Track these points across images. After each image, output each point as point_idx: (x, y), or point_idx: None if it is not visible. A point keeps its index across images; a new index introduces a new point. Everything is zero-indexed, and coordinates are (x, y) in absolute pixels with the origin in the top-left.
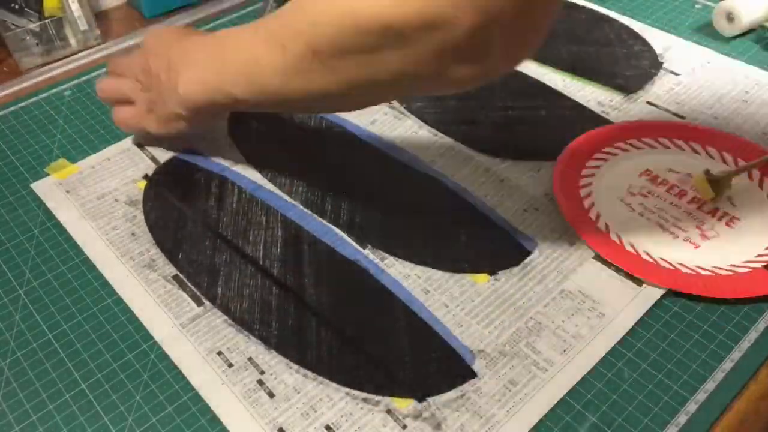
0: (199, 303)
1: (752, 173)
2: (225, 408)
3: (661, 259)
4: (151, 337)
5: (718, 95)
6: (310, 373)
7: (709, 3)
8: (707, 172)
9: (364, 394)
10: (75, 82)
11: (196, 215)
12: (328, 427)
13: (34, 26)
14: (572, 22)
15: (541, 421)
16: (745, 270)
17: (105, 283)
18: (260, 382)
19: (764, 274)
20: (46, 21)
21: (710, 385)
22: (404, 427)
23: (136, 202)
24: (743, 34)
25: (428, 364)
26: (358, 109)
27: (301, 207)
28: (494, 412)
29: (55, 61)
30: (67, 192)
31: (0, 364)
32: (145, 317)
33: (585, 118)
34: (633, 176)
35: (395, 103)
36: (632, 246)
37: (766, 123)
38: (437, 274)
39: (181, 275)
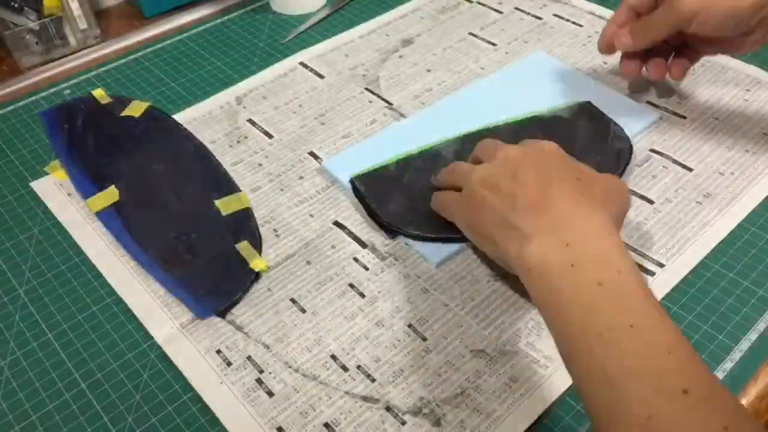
0: None
1: None
2: (224, 407)
3: None
4: (151, 337)
5: (718, 95)
6: (309, 372)
7: None
8: None
9: (363, 392)
10: (75, 81)
11: None
12: (327, 425)
13: (33, 25)
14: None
15: (540, 420)
16: None
17: (105, 283)
18: (259, 381)
19: None
20: (46, 20)
21: None
22: (403, 423)
23: None
24: None
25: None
26: None
27: None
28: (494, 408)
29: (55, 59)
30: (69, 195)
31: (0, 364)
32: (144, 317)
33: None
34: None
35: (395, 104)
36: None
37: (767, 123)
38: (438, 274)
39: None
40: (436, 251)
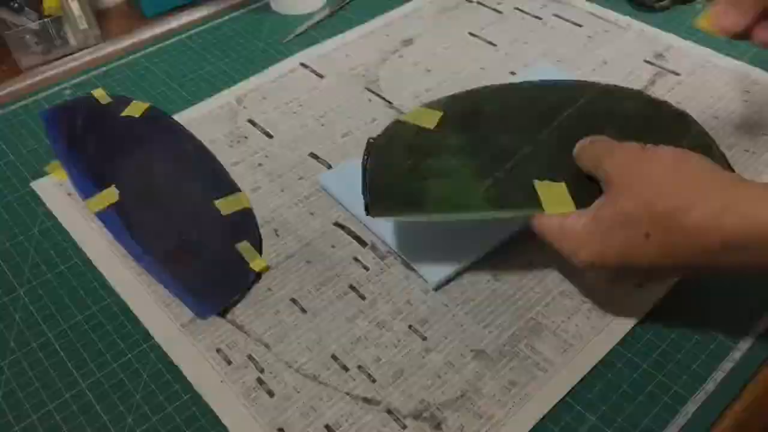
0: None
1: None
2: (224, 407)
3: None
4: (151, 337)
5: (718, 95)
6: (309, 372)
7: (709, 3)
8: None
9: (364, 393)
10: (75, 81)
11: None
12: (327, 427)
13: (33, 25)
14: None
15: (541, 421)
16: None
17: (105, 283)
18: (260, 381)
19: None
20: (46, 20)
21: (710, 386)
22: (404, 427)
23: None
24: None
25: None
26: None
27: None
28: (494, 412)
29: (55, 60)
30: (69, 195)
31: (0, 364)
32: (145, 317)
33: None
34: None
35: (395, 103)
36: None
37: (767, 123)
38: None
39: None
40: (435, 271)
